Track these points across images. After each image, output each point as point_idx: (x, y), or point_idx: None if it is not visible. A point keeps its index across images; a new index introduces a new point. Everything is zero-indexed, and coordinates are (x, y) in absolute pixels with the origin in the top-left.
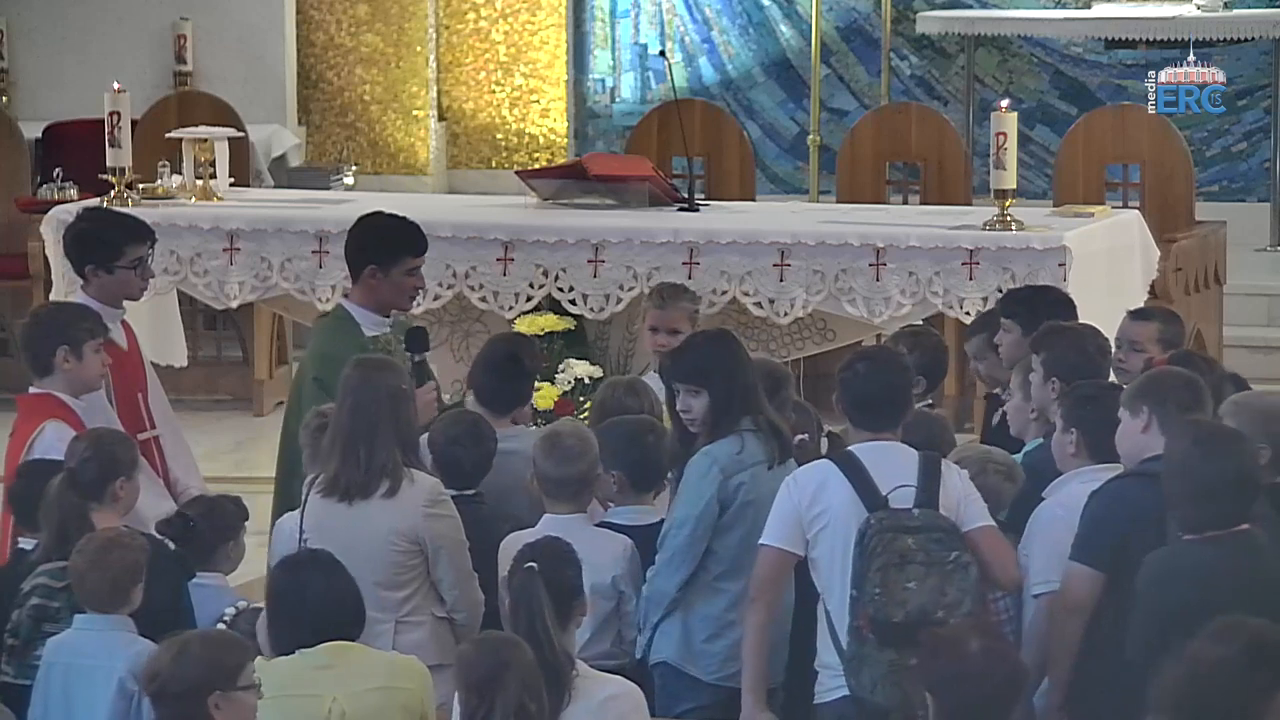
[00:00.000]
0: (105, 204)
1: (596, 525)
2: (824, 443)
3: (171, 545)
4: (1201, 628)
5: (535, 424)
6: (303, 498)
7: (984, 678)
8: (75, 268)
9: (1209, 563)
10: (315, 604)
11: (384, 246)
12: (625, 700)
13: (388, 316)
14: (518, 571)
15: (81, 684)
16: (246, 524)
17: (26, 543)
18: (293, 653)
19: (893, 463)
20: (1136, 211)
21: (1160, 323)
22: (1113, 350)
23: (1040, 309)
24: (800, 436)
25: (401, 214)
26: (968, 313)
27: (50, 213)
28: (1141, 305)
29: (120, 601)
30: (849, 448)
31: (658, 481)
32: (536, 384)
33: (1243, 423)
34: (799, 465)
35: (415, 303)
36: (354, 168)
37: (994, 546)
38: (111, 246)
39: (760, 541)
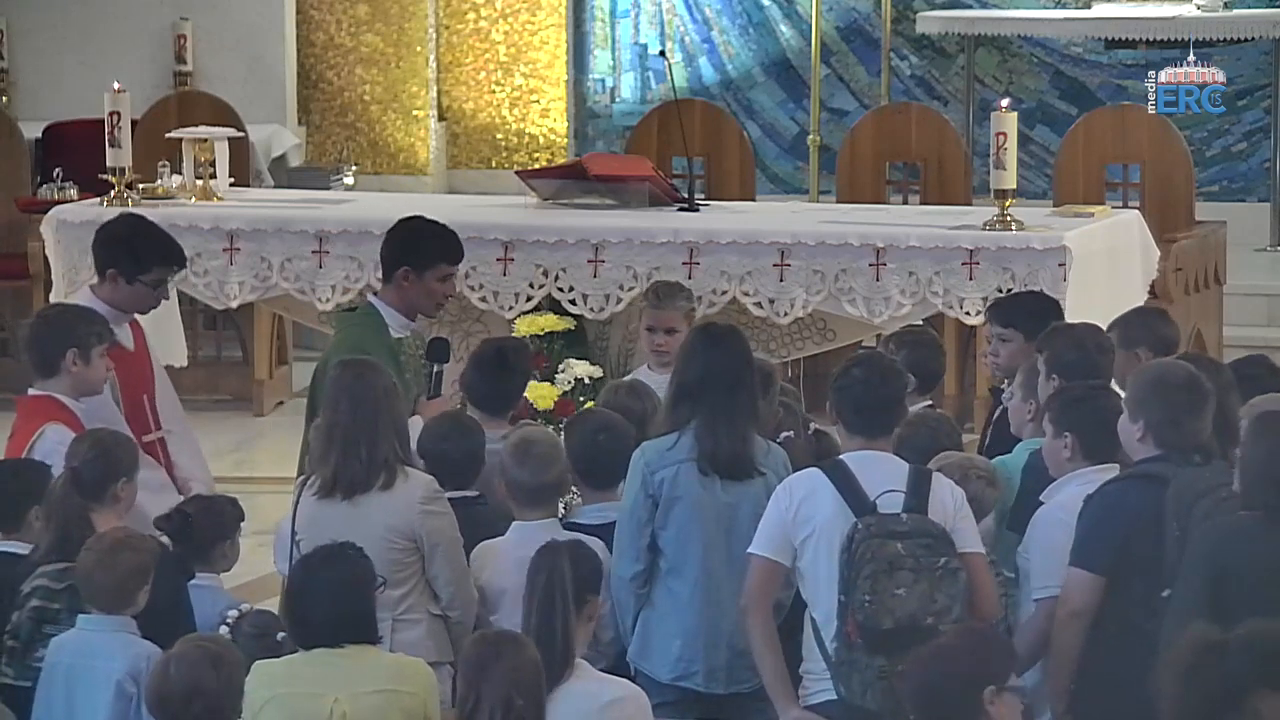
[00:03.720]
0: (105, 203)
1: (564, 526)
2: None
3: (168, 541)
4: (1243, 601)
5: (534, 423)
6: (294, 499)
7: (952, 651)
8: (97, 266)
9: (1269, 544)
10: (330, 603)
11: (422, 250)
12: (630, 704)
13: (414, 320)
14: (543, 553)
15: (83, 685)
16: (243, 525)
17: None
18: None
19: (882, 471)
20: (1136, 211)
21: (1119, 329)
22: (1114, 349)
23: (1040, 314)
24: (785, 434)
25: (444, 222)
26: (967, 313)
27: (50, 213)
28: (1138, 306)
29: (125, 603)
30: (839, 457)
31: (612, 479)
32: (537, 384)
33: None
34: (789, 461)
35: (441, 309)
36: (354, 168)
37: (977, 575)
38: (140, 261)
39: (749, 551)
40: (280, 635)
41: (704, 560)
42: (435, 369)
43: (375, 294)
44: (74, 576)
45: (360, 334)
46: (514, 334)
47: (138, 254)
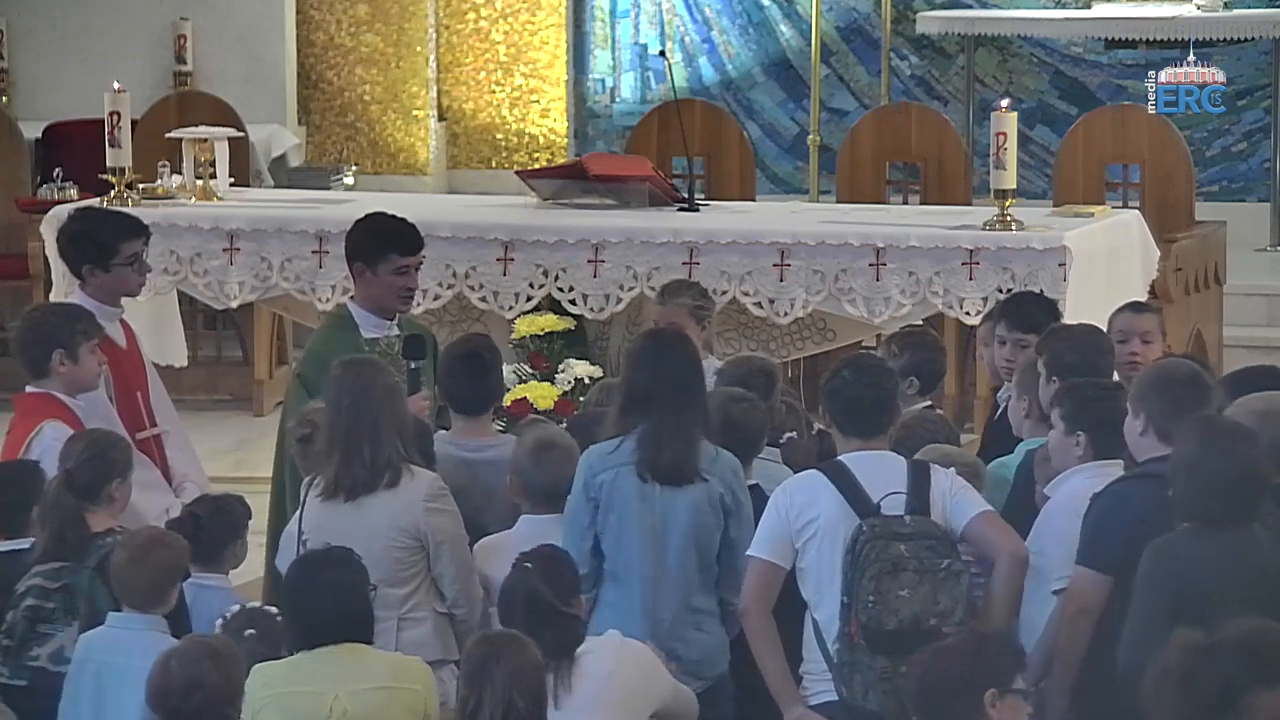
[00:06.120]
0: (105, 203)
1: None
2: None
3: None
4: (1199, 615)
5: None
6: (301, 500)
7: (954, 653)
8: (72, 269)
9: (1212, 552)
10: (328, 603)
11: (371, 244)
12: (629, 674)
13: (390, 319)
14: (512, 571)
15: (113, 682)
16: (250, 524)
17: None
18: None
19: (883, 471)
20: (1136, 211)
21: (1158, 312)
22: (1117, 347)
23: (1055, 318)
24: (789, 434)
25: (398, 214)
26: (967, 313)
27: (50, 213)
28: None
29: (158, 601)
30: (839, 457)
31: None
32: (537, 384)
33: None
34: (787, 463)
35: (407, 304)
36: (354, 168)
37: (997, 527)
38: (106, 245)
39: (748, 553)
40: (276, 618)
41: (641, 565)
42: (412, 365)
43: (351, 296)
44: (70, 575)
45: (327, 336)
46: (513, 334)
47: (100, 240)
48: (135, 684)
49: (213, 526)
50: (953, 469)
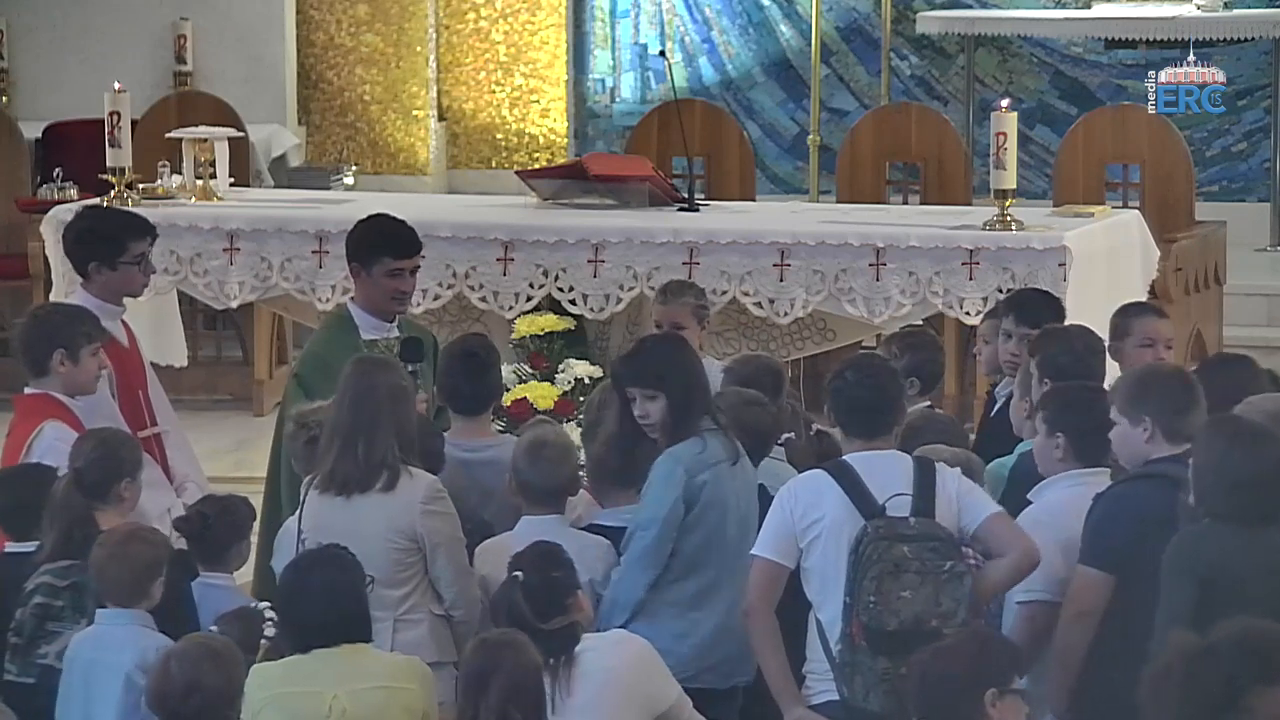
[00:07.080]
0: (105, 203)
1: (586, 528)
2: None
3: (185, 543)
4: (1224, 610)
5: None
6: (300, 499)
7: (954, 653)
8: (77, 266)
9: (1237, 548)
10: (323, 604)
11: (366, 245)
12: (629, 671)
13: (389, 320)
14: (503, 583)
15: (100, 678)
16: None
17: (14, 546)
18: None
19: (888, 471)
20: (1136, 211)
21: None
22: (1140, 350)
23: (1059, 315)
24: (787, 435)
25: (398, 217)
26: (967, 313)
27: (50, 213)
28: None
29: (140, 596)
30: (843, 457)
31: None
32: (537, 384)
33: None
34: (791, 463)
35: (401, 306)
36: (354, 168)
37: (1011, 528)
38: (114, 243)
39: (752, 552)
40: (267, 621)
41: (721, 560)
42: (410, 369)
43: (351, 297)
44: (79, 574)
45: (327, 337)
46: (513, 334)
47: (108, 238)
48: (115, 678)
49: (219, 526)
50: (958, 469)
